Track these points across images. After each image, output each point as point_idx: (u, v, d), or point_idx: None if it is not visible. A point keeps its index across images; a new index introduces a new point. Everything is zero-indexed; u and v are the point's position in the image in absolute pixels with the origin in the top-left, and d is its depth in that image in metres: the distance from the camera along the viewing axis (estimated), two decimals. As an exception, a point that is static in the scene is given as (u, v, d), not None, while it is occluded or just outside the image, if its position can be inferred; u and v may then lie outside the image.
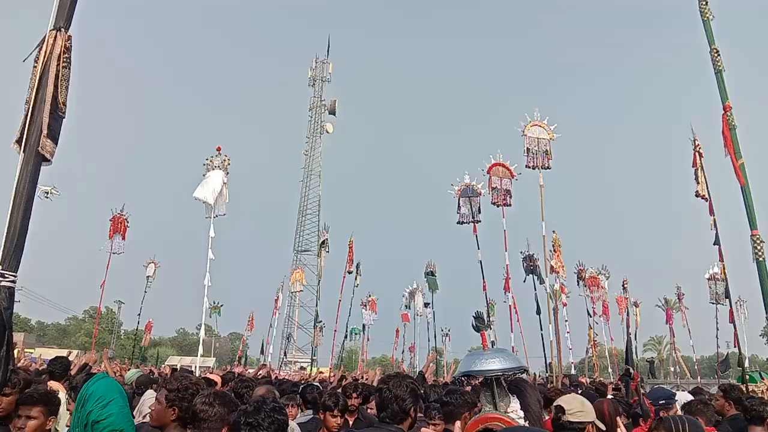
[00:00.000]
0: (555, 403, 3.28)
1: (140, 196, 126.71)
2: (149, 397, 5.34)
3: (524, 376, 3.40)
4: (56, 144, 3.48)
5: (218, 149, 17.57)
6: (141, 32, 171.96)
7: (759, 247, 5.72)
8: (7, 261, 3.13)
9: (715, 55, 6.76)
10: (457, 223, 22.95)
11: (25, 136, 3.33)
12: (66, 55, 3.52)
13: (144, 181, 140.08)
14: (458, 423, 2.87)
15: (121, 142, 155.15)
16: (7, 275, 3.08)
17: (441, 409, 3.77)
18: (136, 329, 36.58)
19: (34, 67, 3.49)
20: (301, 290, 42.32)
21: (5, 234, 3.18)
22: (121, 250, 26.28)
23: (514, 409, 2.90)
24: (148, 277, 31.57)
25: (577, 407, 3.21)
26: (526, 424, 2.78)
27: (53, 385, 5.90)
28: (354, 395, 5.86)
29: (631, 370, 5.05)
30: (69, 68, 3.56)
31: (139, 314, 32.59)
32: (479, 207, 22.78)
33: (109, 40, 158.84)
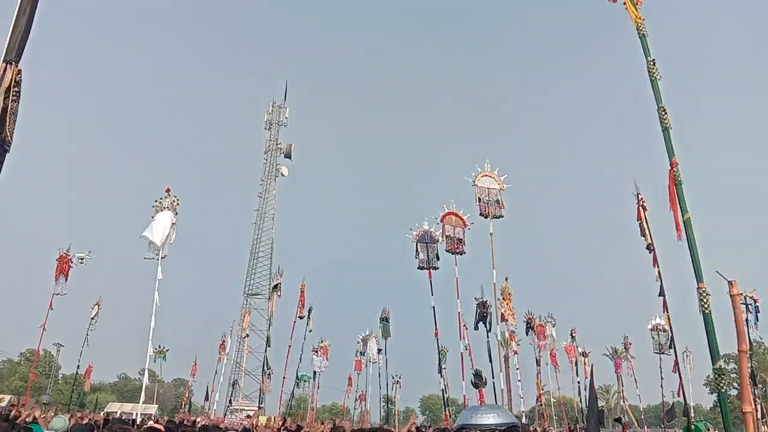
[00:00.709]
0: None
1: (81, 236, 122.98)
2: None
3: None
4: None
5: (167, 190, 17.32)
6: (96, 68, 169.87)
7: (705, 300, 5.88)
8: None
9: (663, 113, 7.05)
10: (418, 268, 23.17)
11: None
12: (16, 88, 3.43)
13: (87, 222, 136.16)
14: None
15: (68, 181, 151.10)
16: None
17: None
18: (76, 373, 34.94)
19: None
20: (247, 336, 41.42)
21: None
22: (65, 291, 25.42)
23: None
24: (91, 319, 30.44)
25: None
26: None
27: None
28: None
29: (623, 419, 5.05)
30: (18, 102, 3.46)
31: (79, 358, 31.30)
32: (437, 253, 23.08)
33: (61, 75, 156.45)
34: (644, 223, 17.17)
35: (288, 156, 55.18)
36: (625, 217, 18.17)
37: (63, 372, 64.41)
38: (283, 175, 54.17)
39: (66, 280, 25.78)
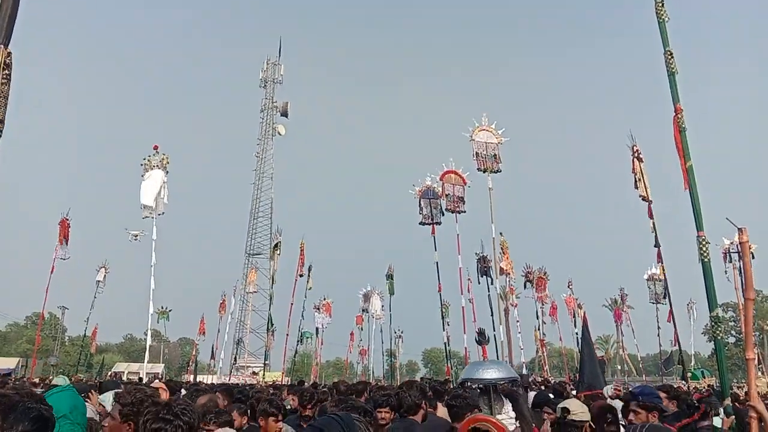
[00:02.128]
0: (561, 405, 3.89)
1: (82, 199, 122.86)
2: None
3: None
4: None
5: (155, 148, 17.13)
6: (87, 32, 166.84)
7: (705, 249, 5.90)
8: None
9: (669, 57, 6.92)
10: (420, 223, 23.24)
11: None
12: (6, 71, 3.37)
13: (88, 184, 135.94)
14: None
15: (66, 144, 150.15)
16: None
17: (449, 410, 4.25)
18: (84, 335, 35.41)
19: None
20: (255, 291, 41.77)
21: None
22: (67, 256, 25.53)
23: (507, 411, 3.46)
24: (98, 282, 30.67)
25: (579, 409, 3.83)
26: (517, 425, 3.38)
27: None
28: (309, 406, 5.80)
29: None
30: (8, 84, 3.39)
31: (87, 320, 31.65)
32: (441, 209, 23.10)
33: (53, 39, 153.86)
34: (639, 174, 17.12)
35: (284, 114, 54.61)
36: (624, 168, 18.11)
37: (69, 334, 65.35)
38: (280, 134, 53.75)
39: (67, 243, 25.81)
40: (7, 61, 3.39)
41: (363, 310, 38.57)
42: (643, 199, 16.75)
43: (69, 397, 2.62)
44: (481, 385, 3.51)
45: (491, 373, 3.45)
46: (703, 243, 5.77)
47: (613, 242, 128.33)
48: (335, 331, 41.60)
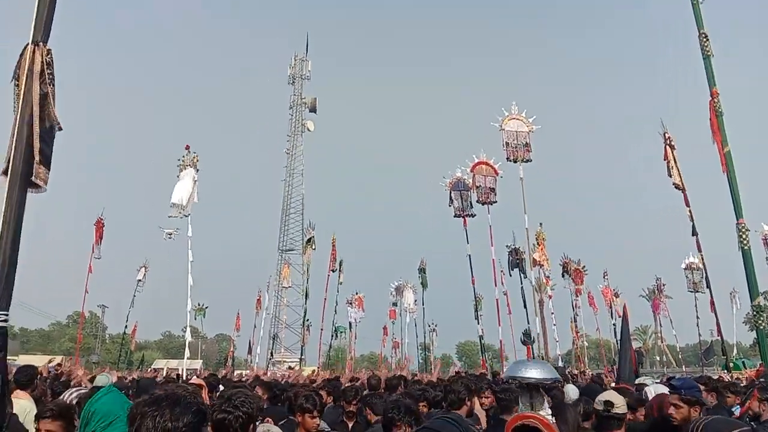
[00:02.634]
0: (603, 399, 4.08)
1: (119, 199, 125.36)
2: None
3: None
4: (49, 169, 3.29)
5: (187, 147, 17.27)
6: (116, 29, 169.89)
7: (744, 236, 5.74)
8: None
9: (704, 40, 6.72)
10: (454, 216, 23.11)
11: (10, 162, 3.07)
12: (49, 71, 3.26)
13: (123, 184, 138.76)
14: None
15: (100, 145, 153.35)
16: None
17: (498, 402, 4.44)
18: (123, 333, 36.25)
19: (16, 85, 3.22)
20: (290, 286, 42.09)
21: None
22: (100, 255, 26.00)
23: (545, 409, 3.59)
24: (138, 281, 31.33)
25: (621, 402, 4.04)
26: (553, 421, 3.47)
27: (19, 394, 5.81)
28: (353, 402, 5.83)
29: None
30: (53, 84, 3.28)
31: (127, 318, 32.40)
32: (471, 201, 22.92)
33: (81, 44, 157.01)
34: (672, 161, 16.75)
35: (313, 110, 54.75)
36: (657, 156, 17.74)
37: (109, 332, 66.94)
38: (309, 130, 53.90)
39: (101, 243, 26.21)
40: (48, 59, 3.30)
41: (393, 304, 38.56)
42: (676, 187, 16.41)
43: (119, 398, 2.70)
44: (523, 384, 3.67)
45: (534, 373, 3.60)
46: (743, 230, 5.61)
47: (650, 231, 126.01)
48: (368, 325, 41.62)
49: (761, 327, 5.58)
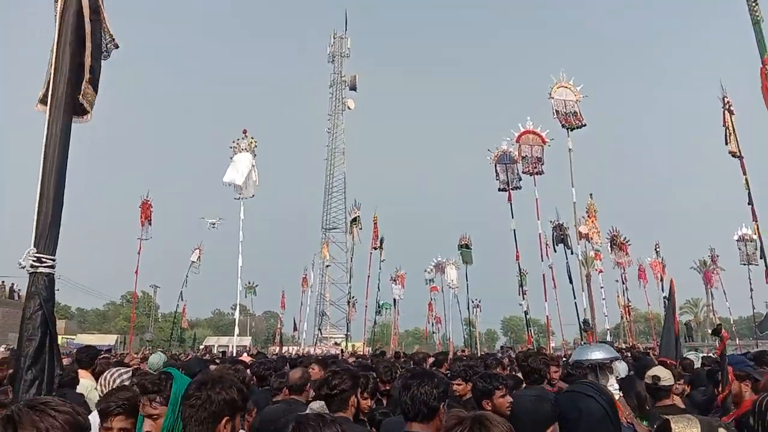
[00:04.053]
0: (651, 373, 4.54)
1: (168, 180, 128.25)
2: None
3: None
4: (96, 93, 2.87)
5: (244, 132, 17.54)
6: (155, 21, 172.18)
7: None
8: (43, 242, 2.49)
9: (753, 4, 6.35)
10: (499, 190, 22.71)
11: (50, 88, 2.67)
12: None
13: (171, 166, 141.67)
14: None
15: (148, 127, 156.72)
16: (44, 259, 2.46)
17: (567, 378, 4.85)
18: (175, 311, 37.27)
19: (55, 1, 2.78)
20: (329, 265, 42.45)
21: (36, 210, 2.51)
22: (150, 236, 26.47)
23: (612, 385, 4.06)
24: (192, 262, 32.09)
25: (667, 375, 4.51)
26: (623, 398, 4.05)
27: (81, 373, 6.00)
28: (389, 381, 5.78)
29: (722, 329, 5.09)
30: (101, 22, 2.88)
31: (179, 297, 33.30)
32: (518, 174, 22.47)
33: (127, 31, 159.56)
34: (730, 128, 16.00)
35: (353, 88, 54.64)
36: (712, 122, 17.04)
37: (162, 311, 69.02)
38: (349, 108, 53.87)
39: (150, 224, 26.63)
40: None
41: (429, 281, 38.56)
42: (733, 155, 15.72)
43: (187, 382, 2.73)
44: (589, 364, 4.22)
45: (597, 354, 4.21)
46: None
47: (702, 201, 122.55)
48: (412, 302, 41.89)
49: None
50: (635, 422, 3.97)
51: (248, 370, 6.39)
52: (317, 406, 3.56)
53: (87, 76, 2.77)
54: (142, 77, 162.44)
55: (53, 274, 2.49)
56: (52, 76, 2.68)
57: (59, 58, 2.71)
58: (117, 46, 2.98)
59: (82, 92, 2.75)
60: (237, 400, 2.40)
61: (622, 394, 4.14)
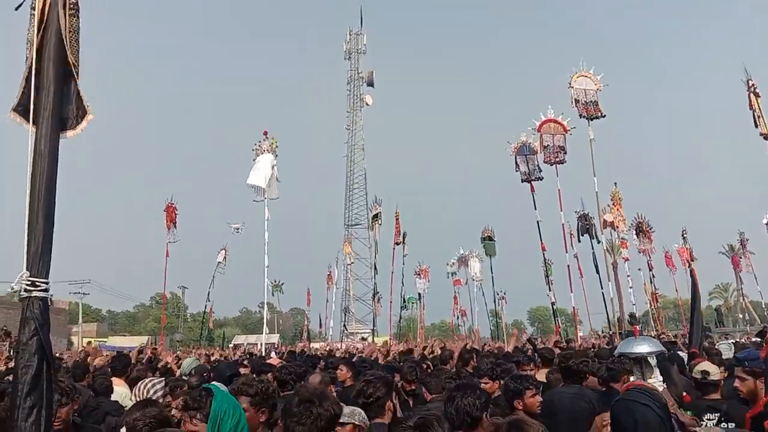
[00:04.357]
0: (701, 368, 4.73)
1: (189, 183, 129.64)
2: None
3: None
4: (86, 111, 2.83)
5: (265, 133, 17.71)
6: (166, 22, 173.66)
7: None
8: (36, 265, 2.42)
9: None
10: (522, 181, 22.64)
11: (33, 102, 2.61)
12: (72, 1, 2.79)
13: (190, 169, 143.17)
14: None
15: (164, 131, 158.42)
16: (38, 283, 2.40)
17: (607, 371, 4.88)
18: (204, 311, 37.88)
19: (32, 14, 2.73)
20: (352, 263, 42.67)
21: (26, 230, 2.44)
22: (177, 239, 26.84)
23: (656, 377, 4.22)
24: (219, 262, 32.61)
25: (715, 370, 4.67)
26: (665, 386, 4.27)
27: (115, 381, 6.11)
28: (413, 381, 5.77)
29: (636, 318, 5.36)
30: (77, 17, 2.82)
31: (207, 297, 33.90)
32: (538, 164, 22.36)
33: (133, 32, 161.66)
34: (757, 110, 15.83)
35: (370, 84, 54.68)
36: (737, 106, 16.82)
37: (190, 311, 70.01)
38: (367, 104, 53.95)
39: (176, 227, 26.99)
40: None
41: (451, 274, 38.58)
42: (765, 138, 15.54)
43: (227, 394, 2.86)
44: (634, 357, 4.33)
45: (643, 348, 4.27)
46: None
47: (730, 186, 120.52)
48: (438, 295, 41.84)
49: None
50: (679, 412, 4.04)
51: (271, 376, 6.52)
52: (347, 411, 3.65)
53: (86, 103, 2.79)
54: (180, 82, 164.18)
55: (47, 299, 2.42)
56: (35, 91, 2.63)
57: (39, 72, 2.66)
58: (76, 80, 2.86)
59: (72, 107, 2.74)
60: (339, 416, 2.66)
61: (665, 386, 4.34)
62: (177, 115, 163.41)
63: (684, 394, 4.92)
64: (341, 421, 3.59)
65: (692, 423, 4.03)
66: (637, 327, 20.94)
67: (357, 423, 3.63)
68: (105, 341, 53.23)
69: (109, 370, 6.85)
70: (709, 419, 4.28)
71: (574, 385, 4.63)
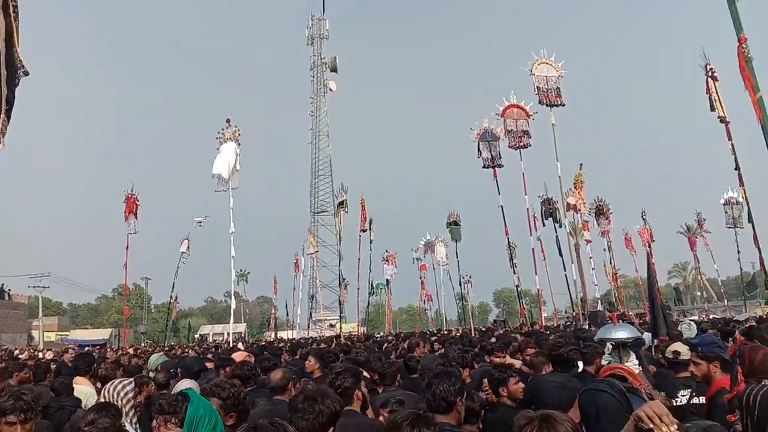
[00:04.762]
0: (672, 349, 5.10)
1: (151, 173, 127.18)
2: (186, 386, 5.35)
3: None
4: (9, 120, 2.82)
5: (228, 121, 17.55)
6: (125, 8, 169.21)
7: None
8: None
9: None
10: (483, 167, 22.82)
11: None
12: (14, 3, 2.80)
13: (152, 158, 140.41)
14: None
15: (125, 119, 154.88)
16: None
17: (582, 356, 4.98)
18: (169, 302, 37.34)
19: None
20: (317, 251, 42.49)
21: None
22: (137, 230, 26.43)
23: (632, 361, 4.51)
24: (182, 252, 32.19)
25: (685, 350, 4.87)
26: (640, 370, 4.36)
27: (80, 380, 6.03)
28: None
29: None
30: (18, 19, 2.79)
31: (172, 288, 33.40)
32: (499, 151, 22.58)
33: (92, 17, 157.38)
34: (714, 94, 16.10)
35: (334, 70, 54.20)
36: (695, 90, 17.17)
37: (154, 302, 68.97)
38: (331, 90, 53.50)
39: (136, 218, 26.58)
40: None
41: (417, 260, 38.84)
42: (721, 121, 15.86)
43: (204, 400, 2.86)
44: (613, 343, 4.66)
45: (621, 334, 4.60)
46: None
47: (688, 167, 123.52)
48: (405, 280, 42.01)
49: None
50: (654, 393, 4.11)
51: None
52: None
53: (3, 106, 2.72)
54: (124, 70, 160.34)
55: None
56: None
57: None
58: (27, 74, 2.89)
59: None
60: (340, 413, 2.80)
61: (641, 369, 4.55)
62: (137, 104, 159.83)
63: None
64: None
65: (666, 402, 4.04)
66: (615, 314, 21.50)
67: None
68: (67, 334, 52.15)
69: (73, 369, 6.72)
70: (683, 395, 4.57)
71: (563, 374, 4.68)
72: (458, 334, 17.44)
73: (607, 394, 2.97)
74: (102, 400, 4.48)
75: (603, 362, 4.74)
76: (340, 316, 35.12)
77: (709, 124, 16.24)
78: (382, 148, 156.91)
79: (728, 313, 28.73)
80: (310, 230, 43.57)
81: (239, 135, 17.43)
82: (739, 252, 29.97)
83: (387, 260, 36.64)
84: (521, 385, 4.44)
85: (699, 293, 49.82)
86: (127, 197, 26.52)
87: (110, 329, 55.03)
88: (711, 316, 23.64)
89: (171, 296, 35.55)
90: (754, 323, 10.41)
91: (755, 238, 17.32)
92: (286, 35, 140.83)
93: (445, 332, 21.74)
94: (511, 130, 21.96)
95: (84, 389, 5.88)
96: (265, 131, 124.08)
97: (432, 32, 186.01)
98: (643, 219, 36.03)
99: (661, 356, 6.05)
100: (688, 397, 4.53)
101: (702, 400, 4.30)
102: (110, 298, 76.47)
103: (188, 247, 32.57)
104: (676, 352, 5.02)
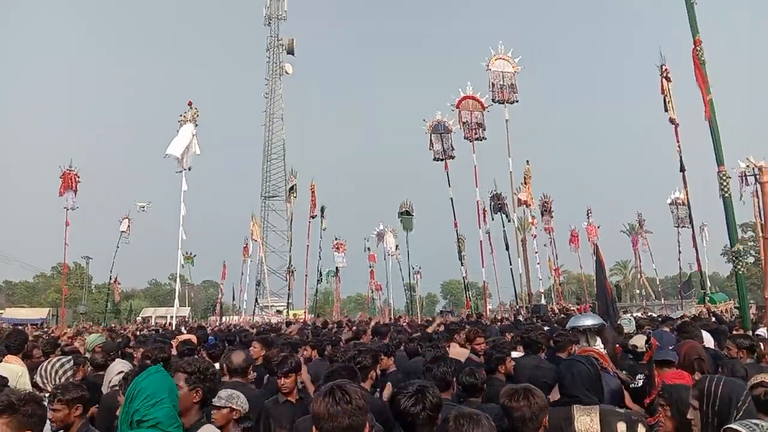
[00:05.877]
0: (632, 343, 6.16)
1: (95, 150, 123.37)
2: (119, 369, 5.23)
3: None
4: None
5: (189, 103, 17.39)
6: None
7: (725, 183, 5.77)
8: None
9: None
10: (434, 159, 22.87)
11: None
12: None
13: (101, 136, 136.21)
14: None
15: (79, 99, 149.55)
16: None
17: (554, 344, 5.63)
18: (109, 283, 36.31)
19: None
20: (262, 238, 42.04)
21: None
22: (75, 206, 25.54)
23: (597, 344, 5.22)
24: (122, 232, 31.32)
25: (642, 343, 5.84)
26: (605, 351, 5.15)
27: (10, 359, 5.86)
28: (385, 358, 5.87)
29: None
30: None
31: (111, 269, 32.51)
32: (451, 144, 22.67)
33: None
34: (668, 95, 16.40)
35: (291, 52, 53.48)
36: (648, 91, 17.53)
37: (95, 282, 66.96)
38: (287, 73, 52.81)
39: (75, 194, 25.72)
40: None
41: (366, 249, 38.97)
42: (671, 122, 16.20)
43: (166, 380, 2.66)
44: (581, 329, 5.32)
45: (588, 321, 5.36)
46: (724, 178, 5.64)
47: (635, 167, 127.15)
48: (354, 268, 42.00)
49: (740, 272, 5.79)
50: (618, 372, 5.15)
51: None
52: (224, 394, 3.80)
53: None
54: (76, 50, 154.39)
55: None
56: None
57: None
58: None
59: None
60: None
61: (605, 352, 5.26)
62: (91, 81, 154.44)
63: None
64: (217, 404, 3.67)
65: (626, 379, 5.13)
66: (582, 306, 22.25)
67: (235, 407, 3.78)
68: (2, 313, 50.17)
69: (4, 347, 6.47)
70: (640, 379, 5.24)
71: (534, 355, 5.52)
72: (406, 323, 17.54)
73: (582, 364, 3.50)
74: (38, 377, 4.34)
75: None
76: (288, 303, 34.93)
77: (662, 126, 16.58)
78: (337, 135, 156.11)
79: (665, 311, 29.74)
80: (253, 216, 42.91)
81: (198, 116, 17.26)
82: (680, 252, 30.99)
83: (337, 248, 36.49)
84: (513, 363, 5.19)
85: (638, 291, 51.49)
86: (63, 173, 25.59)
87: (48, 309, 53.16)
88: (649, 314, 24.46)
89: (110, 276, 34.59)
90: (687, 320, 10.78)
91: (693, 238, 17.97)
92: (247, 14, 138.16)
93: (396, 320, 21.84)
94: (466, 121, 22.09)
95: (14, 368, 5.72)
96: (219, 112, 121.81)
97: (393, 19, 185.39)
98: (588, 216, 36.92)
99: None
100: (643, 379, 5.23)
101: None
102: (49, 277, 73.92)
103: (128, 226, 31.75)
104: (635, 346, 6.05)
